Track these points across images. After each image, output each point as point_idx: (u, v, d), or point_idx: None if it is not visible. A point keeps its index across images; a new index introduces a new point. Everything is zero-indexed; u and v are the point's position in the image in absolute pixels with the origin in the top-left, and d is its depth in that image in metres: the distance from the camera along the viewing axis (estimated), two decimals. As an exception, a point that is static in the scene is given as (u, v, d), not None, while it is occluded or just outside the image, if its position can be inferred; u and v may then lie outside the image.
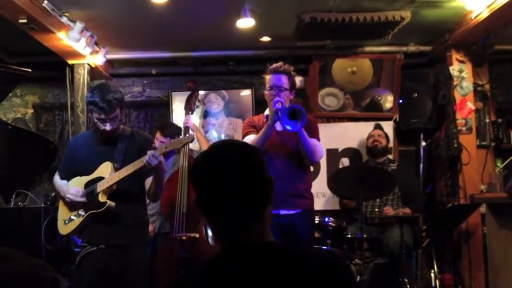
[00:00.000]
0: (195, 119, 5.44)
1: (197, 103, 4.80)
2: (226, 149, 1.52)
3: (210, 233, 4.39)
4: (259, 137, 3.67)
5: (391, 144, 5.58)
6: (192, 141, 3.16)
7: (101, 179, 3.24)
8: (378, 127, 5.43)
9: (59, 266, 4.11)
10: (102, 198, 3.20)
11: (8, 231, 3.91)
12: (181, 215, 4.33)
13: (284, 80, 3.79)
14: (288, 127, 3.58)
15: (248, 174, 1.45)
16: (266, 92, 3.86)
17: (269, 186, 1.49)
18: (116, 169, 3.22)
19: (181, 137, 3.17)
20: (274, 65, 3.82)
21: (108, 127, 3.18)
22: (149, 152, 3.06)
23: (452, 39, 5.11)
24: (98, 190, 3.20)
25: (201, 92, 6.02)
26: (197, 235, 4.31)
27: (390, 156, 5.46)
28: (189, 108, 4.62)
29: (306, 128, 3.81)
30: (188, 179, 4.34)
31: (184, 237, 4.28)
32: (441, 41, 5.29)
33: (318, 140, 3.90)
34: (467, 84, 5.26)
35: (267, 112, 3.95)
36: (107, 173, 3.23)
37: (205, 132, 5.95)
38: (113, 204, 3.19)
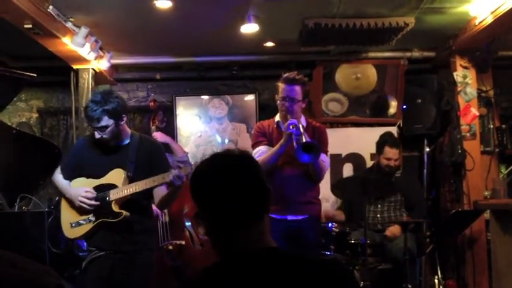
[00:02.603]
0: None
1: (164, 119, 4.94)
2: (226, 159, 1.57)
3: (194, 237, 4.43)
4: (272, 155, 3.67)
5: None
6: None
7: (112, 185, 3.21)
8: (395, 143, 5.08)
9: (63, 271, 4.11)
10: (115, 207, 3.18)
11: (11, 235, 3.92)
12: (165, 225, 4.37)
13: (298, 91, 3.78)
14: (305, 158, 3.58)
15: (249, 180, 1.50)
16: (278, 102, 3.86)
17: (268, 194, 1.53)
18: (129, 177, 3.20)
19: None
20: (288, 75, 3.81)
21: (96, 135, 3.18)
22: (174, 172, 3.02)
23: (456, 45, 5.11)
24: (112, 198, 3.19)
25: (205, 97, 6.05)
26: (183, 242, 4.35)
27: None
28: (155, 126, 4.71)
29: (317, 138, 3.83)
30: None
31: (170, 246, 4.32)
32: (445, 46, 5.29)
33: (327, 152, 3.91)
34: (471, 90, 5.25)
35: (277, 118, 3.95)
36: (119, 181, 3.21)
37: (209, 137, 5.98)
38: (128, 214, 3.18)
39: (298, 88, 3.79)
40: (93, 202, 3.22)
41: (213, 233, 1.52)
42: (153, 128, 4.75)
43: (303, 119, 3.91)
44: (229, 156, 1.58)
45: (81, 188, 3.26)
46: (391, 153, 5.01)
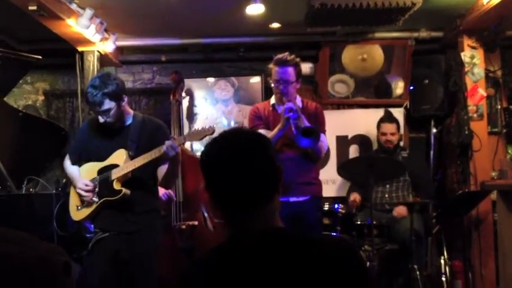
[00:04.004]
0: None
1: (183, 94, 4.76)
2: (238, 135, 1.54)
3: (208, 219, 4.43)
4: (270, 139, 3.65)
5: (401, 132, 5.56)
6: (213, 133, 3.03)
7: (114, 166, 3.24)
8: (390, 119, 5.24)
9: (71, 252, 4.14)
10: (116, 186, 3.21)
11: (19, 217, 3.94)
12: (178, 204, 4.37)
13: (291, 72, 3.77)
14: (305, 143, 3.59)
15: (259, 160, 1.48)
16: (272, 85, 3.85)
17: (279, 174, 1.51)
18: (131, 157, 3.22)
19: (200, 128, 3.10)
20: (280, 57, 3.78)
21: (100, 119, 3.20)
22: (167, 143, 3.04)
23: (464, 25, 5.05)
24: (113, 177, 3.21)
25: (211, 79, 6.03)
26: (196, 222, 4.35)
27: (401, 143, 5.43)
28: (175, 99, 4.61)
29: (313, 118, 3.83)
30: (182, 168, 4.36)
31: (183, 226, 4.31)
32: (453, 26, 5.23)
33: (324, 132, 3.91)
34: (479, 71, 5.21)
35: (273, 101, 3.95)
36: (121, 160, 3.23)
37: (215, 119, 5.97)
38: (128, 192, 3.20)
39: (291, 69, 3.77)
40: (89, 194, 3.27)
41: (222, 211, 1.51)
42: (173, 101, 4.62)
43: (298, 100, 3.91)
44: (240, 134, 1.56)
45: (80, 180, 3.31)
46: (386, 127, 5.15)
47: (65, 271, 0.90)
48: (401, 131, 5.43)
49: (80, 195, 3.33)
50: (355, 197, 4.94)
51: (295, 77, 3.79)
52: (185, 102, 5.61)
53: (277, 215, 1.49)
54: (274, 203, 1.49)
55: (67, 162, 3.48)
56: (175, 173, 3.39)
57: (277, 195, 1.51)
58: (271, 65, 3.82)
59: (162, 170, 3.27)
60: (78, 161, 3.44)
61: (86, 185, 3.27)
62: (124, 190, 3.19)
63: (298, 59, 3.84)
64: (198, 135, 3.07)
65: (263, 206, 1.46)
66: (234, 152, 1.47)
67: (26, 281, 0.85)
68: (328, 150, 5.68)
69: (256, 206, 1.46)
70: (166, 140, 3.20)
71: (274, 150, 1.54)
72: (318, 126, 3.77)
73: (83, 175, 3.38)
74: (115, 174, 3.22)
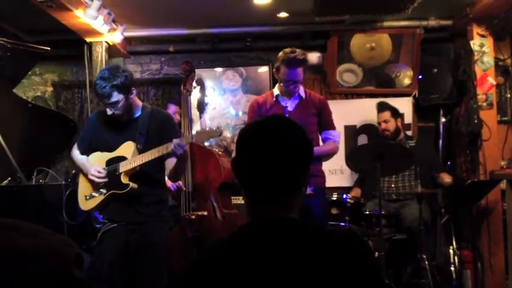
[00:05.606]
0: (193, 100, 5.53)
1: (194, 84, 4.74)
2: (283, 120, 1.54)
3: (217, 209, 4.44)
4: None
5: (408, 121, 5.54)
6: (220, 135, 3.10)
7: (122, 158, 3.25)
8: (382, 108, 5.22)
9: (80, 242, 4.17)
10: (124, 179, 3.22)
11: (29, 208, 3.97)
12: (188, 194, 4.38)
13: (300, 72, 3.77)
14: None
15: (296, 150, 1.46)
16: (281, 83, 3.83)
17: (308, 172, 1.50)
18: (139, 149, 3.22)
19: (208, 128, 3.12)
20: (290, 57, 3.70)
21: (108, 112, 3.20)
22: (175, 141, 3.03)
23: (474, 13, 5.01)
24: (121, 170, 3.22)
25: (218, 69, 6.02)
26: (205, 213, 4.36)
27: (409, 133, 5.41)
28: (185, 90, 4.59)
29: (319, 112, 3.82)
30: (192, 158, 4.36)
31: (193, 216, 4.33)
32: (462, 15, 5.19)
33: (333, 125, 3.96)
34: (488, 59, 5.17)
35: (276, 91, 3.92)
36: (129, 153, 3.23)
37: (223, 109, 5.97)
38: (135, 186, 3.21)
39: (300, 70, 3.76)
40: (101, 180, 3.28)
41: (245, 194, 1.50)
42: (184, 91, 4.58)
43: (301, 91, 3.90)
44: (285, 119, 1.55)
45: (93, 166, 3.32)
46: (379, 117, 5.18)
47: (76, 263, 0.90)
48: (411, 120, 5.40)
49: (91, 182, 3.34)
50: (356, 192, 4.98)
51: (304, 74, 3.81)
52: (196, 92, 5.59)
53: (296, 210, 1.47)
54: (297, 199, 1.48)
55: (75, 152, 3.48)
56: (183, 170, 3.40)
57: (302, 192, 1.50)
58: (279, 63, 3.75)
59: (170, 162, 3.28)
60: (86, 151, 3.44)
61: (99, 172, 3.29)
62: (131, 184, 3.20)
63: (305, 56, 3.80)
64: (206, 135, 3.11)
65: (284, 197, 1.45)
66: (275, 133, 1.46)
67: (38, 272, 0.86)
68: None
69: (278, 194, 1.44)
70: (174, 132, 3.22)
71: (312, 153, 1.53)
72: (325, 120, 3.82)
73: (91, 163, 3.39)
74: (123, 167, 3.22)
